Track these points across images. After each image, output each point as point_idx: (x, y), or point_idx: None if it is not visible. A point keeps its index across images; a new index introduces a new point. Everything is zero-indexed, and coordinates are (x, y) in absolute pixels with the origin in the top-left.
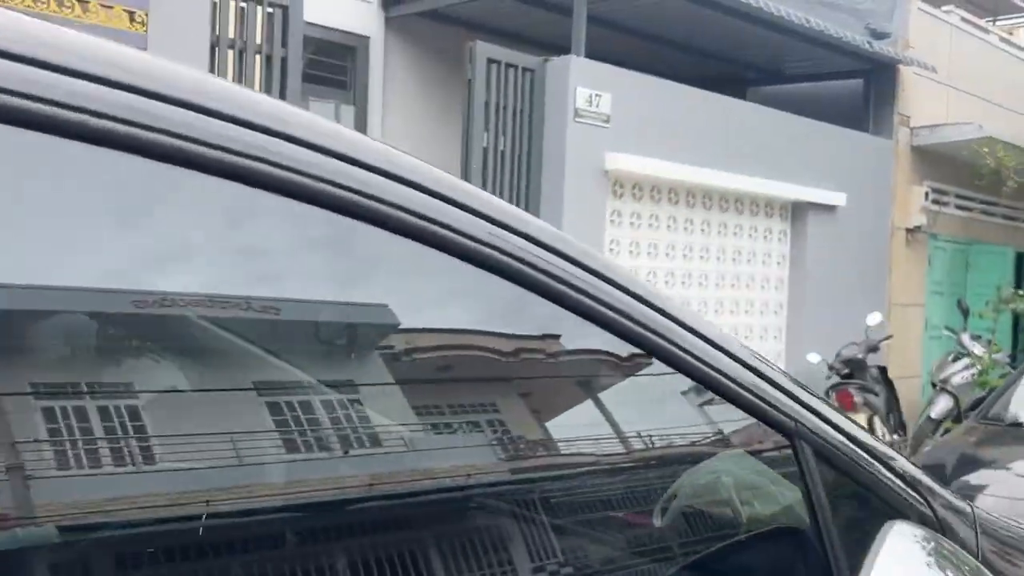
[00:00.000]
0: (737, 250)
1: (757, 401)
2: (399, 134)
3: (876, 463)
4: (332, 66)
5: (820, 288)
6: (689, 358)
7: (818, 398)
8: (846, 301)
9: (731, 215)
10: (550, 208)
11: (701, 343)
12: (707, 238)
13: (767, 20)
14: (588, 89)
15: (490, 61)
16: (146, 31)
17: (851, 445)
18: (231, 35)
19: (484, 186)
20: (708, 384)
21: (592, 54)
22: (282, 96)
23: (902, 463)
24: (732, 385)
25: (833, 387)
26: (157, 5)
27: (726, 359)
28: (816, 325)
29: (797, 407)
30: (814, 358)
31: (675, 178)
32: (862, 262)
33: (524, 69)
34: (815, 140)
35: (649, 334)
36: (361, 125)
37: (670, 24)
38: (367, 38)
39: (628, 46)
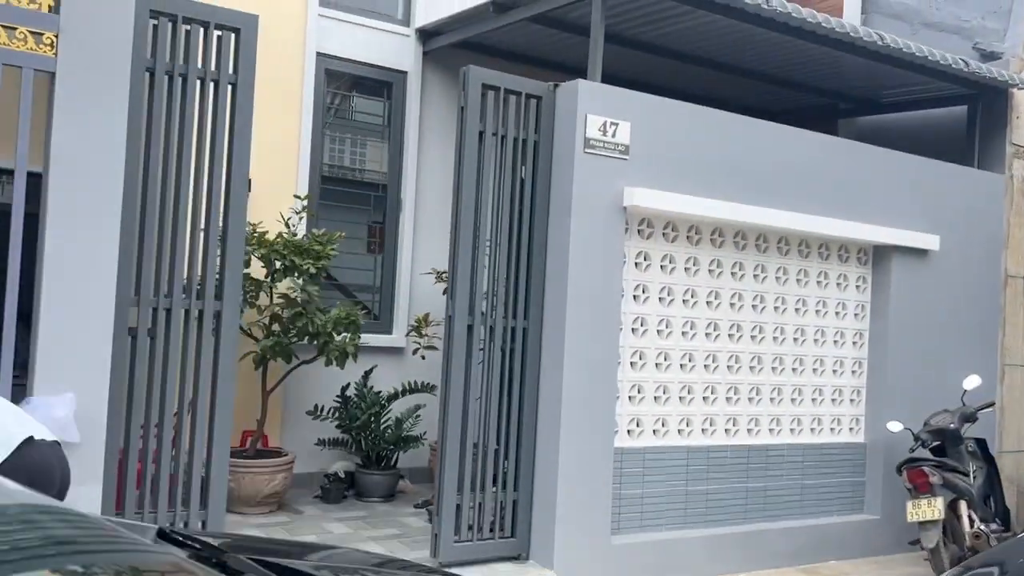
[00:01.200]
0: (801, 299)
1: None
2: (434, 170)
3: None
4: (367, 103)
5: (907, 344)
6: None
7: None
8: (939, 360)
9: (793, 259)
10: (556, 247)
11: None
12: (761, 285)
13: (860, 47)
14: (601, 117)
15: (486, 87)
16: (55, 54)
17: None
18: (168, 60)
19: (477, 225)
20: None
21: (645, 86)
22: (232, 124)
23: None
24: None
25: (905, 463)
26: (69, 27)
27: None
28: (901, 387)
29: None
30: (895, 426)
31: (717, 217)
32: (962, 315)
33: (529, 96)
34: (902, 175)
35: None
36: (396, 161)
37: (744, 54)
38: (404, 73)
39: (694, 78)
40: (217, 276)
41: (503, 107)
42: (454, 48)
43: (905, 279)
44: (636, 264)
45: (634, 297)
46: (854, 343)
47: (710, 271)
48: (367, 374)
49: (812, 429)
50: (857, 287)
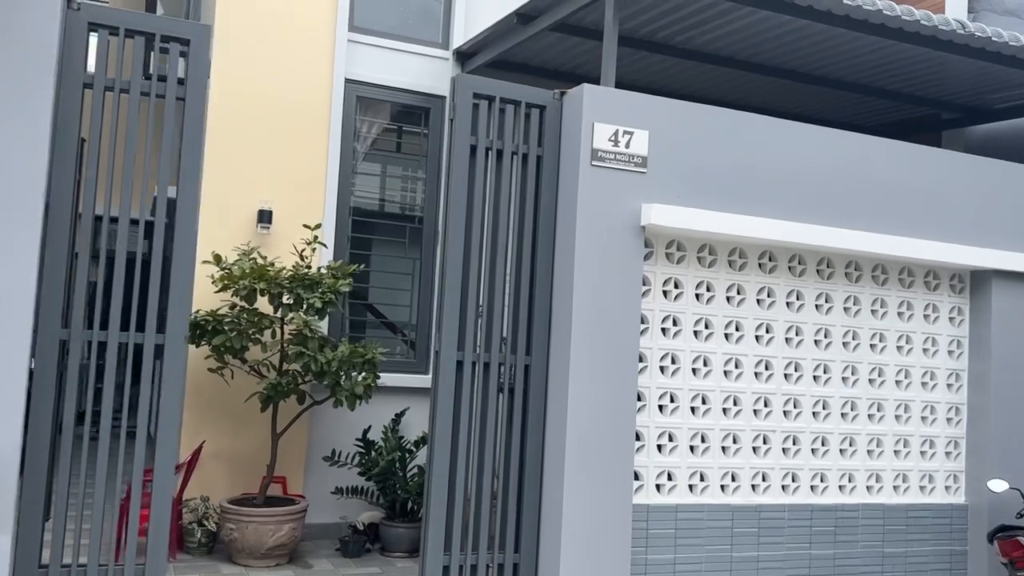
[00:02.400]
0: (878, 333)
1: None
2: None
3: None
4: (404, 130)
5: (1014, 387)
6: None
7: None
8: None
9: (867, 287)
10: (562, 274)
11: None
12: (825, 316)
13: (970, 47)
14: (612, 125)
15: (479, 97)
16: None
17: None
18: (110, 75)
19: (468, 249)
20: None
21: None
22: (181, 141)
23: None
24: None
25: (998, 532)
26: None
27: None
28: (1008, 438)
29: None
30: (999, 486)
31: (765, 237)
32: None
33: (530, 106)
34: (1005, 188)
35: None
36: (433, 191)
37: (821, 60)
38: (442, 98)
39: (752, 89)
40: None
41: (499, 119)
42: (488, 68)
43: (1009, 309)
44: (664, 292)
45: (663, 331)
46: (949, 385)
47: (759, 301)
48: (398, 417)
49: (896, 487)
50: (951, 319)
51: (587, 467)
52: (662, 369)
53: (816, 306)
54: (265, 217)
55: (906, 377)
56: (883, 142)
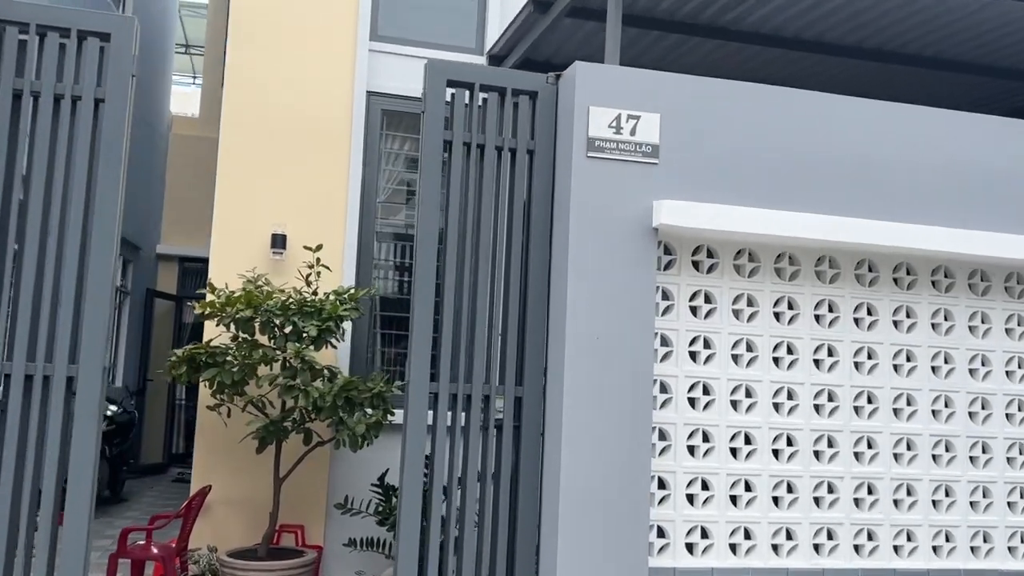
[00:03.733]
0: (979, 355)
1: None
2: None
3: None
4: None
5: None
6: None
7: None
8: None
9: (962, 298)
10: (557, 288)
11: None
12: (906, 335)
13: None
14: (612, 109)
15: (454, 84)
16: None
17: None
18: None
19: (442, 261)
20: None
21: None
22: (92, 144)
23: None
24: None
25: None
26: None
27: None
28: None
29: None
30: None
31: (825, 239)
32: None
33: (519, 93)
34: None
35: None
36: None
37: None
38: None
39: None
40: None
41: (483, 109)
42: (519, 69)
43: None
44: (693, 309)
45: (691, 355)
46: None
47: (817, 317)
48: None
49: (1011, 548)
50: None
51: (589, 521)
52: (692, 402)
53: (894, 323)
54: (279, 242)
55: (1020, 410)
56: (981, 119)
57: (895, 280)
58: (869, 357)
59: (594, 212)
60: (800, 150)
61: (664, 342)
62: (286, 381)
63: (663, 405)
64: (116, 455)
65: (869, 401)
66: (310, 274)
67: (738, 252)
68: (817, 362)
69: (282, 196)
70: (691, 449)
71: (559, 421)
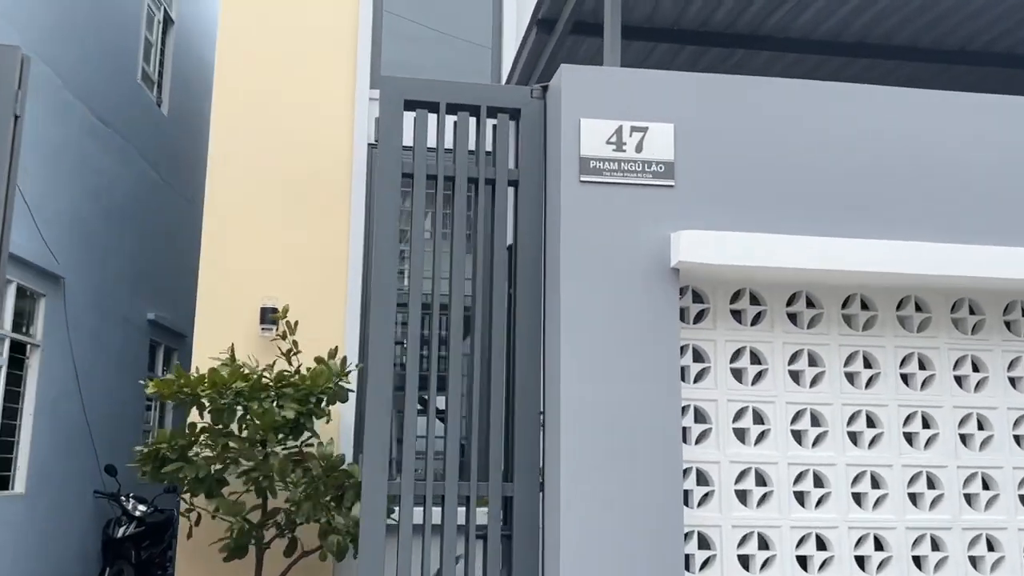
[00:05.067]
0: None
1: None
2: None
3: None
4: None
5: None
6: None
7: None
8: None
9: None
10: (551, 350)
11: None
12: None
13: None
14: (611, 121)
15: (413, 105)
16: None
17: None
18: None
19: (401, 329)
20: None
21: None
22: None
23: None
24: None
25: None
26: None
27: None
28: None
29: None
30: None
31: (912, 273)
32: None
33: (496, 111)
34: None
35: None
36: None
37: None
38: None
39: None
40: None
41: (452, 134)
42: (574, 36)
43: None
44: (735, 373)
45: (737, 434)
46: None
47: (904, 376)
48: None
49: None
50: None
51: None
52: (742, 497)
53: (1010, 380)
54: (268, 317)
55: None
56: None
57: (1007, 324)
58: (980, 427)
59: (592, 251)
60: (859, 159)
61: (699, 417)
62: (256, 475)
63: (701, 503)
64: (146, 559)
65: (985, 487)
66: (291, 348)
67: (791, 295)
68: (908, 436)
69: (275, 265)
70: (744, 562)
71: (556, 533)
